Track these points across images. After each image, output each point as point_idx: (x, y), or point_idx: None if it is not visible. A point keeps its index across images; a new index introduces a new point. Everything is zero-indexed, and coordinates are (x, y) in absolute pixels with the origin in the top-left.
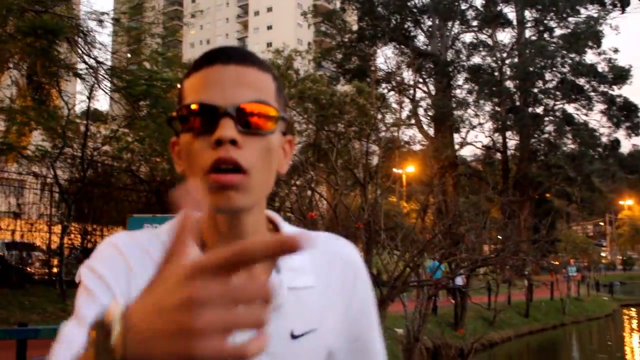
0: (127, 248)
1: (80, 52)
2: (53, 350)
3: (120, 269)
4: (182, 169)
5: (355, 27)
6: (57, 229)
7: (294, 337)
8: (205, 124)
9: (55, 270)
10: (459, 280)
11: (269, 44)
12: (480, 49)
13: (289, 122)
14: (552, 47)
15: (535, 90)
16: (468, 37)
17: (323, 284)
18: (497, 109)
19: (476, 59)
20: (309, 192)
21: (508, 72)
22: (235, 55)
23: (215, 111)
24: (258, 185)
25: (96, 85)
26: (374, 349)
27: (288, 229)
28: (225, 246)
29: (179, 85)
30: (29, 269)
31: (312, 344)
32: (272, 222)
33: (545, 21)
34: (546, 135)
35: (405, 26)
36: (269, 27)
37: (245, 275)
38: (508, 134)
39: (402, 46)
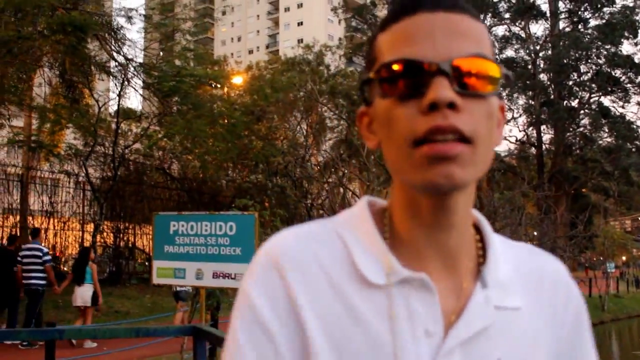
0: (290, 263)
1: (110, 49)
2: None
3: (281, 298)
4: (376, 142)
5: None
6: (90, 227)
7: None
8: (412, 86)
9: None
10: None
11: (300, 40)
12: (513, 41)
13: (511, 82)
14: (587, 39)
15: (570, 82)
16: (500, 30)
17: (530, 307)
18: (531, 102)
19: (509, 52)
20: (341, 189)
21: (542, 65)
22: (443, 0)
23: (426, 69)
24: (482, 157)
25: (126, 83)
26: None
27: (495, 237)
28: (427, 238)
29: (370, 44)
30: (62, 267)
31: None
32: (474, 222)
33: (580, 12)
34: (582, 129)
35: None
36: (300, 24)
37: (450, 286)
38: (542, 128)
39: None
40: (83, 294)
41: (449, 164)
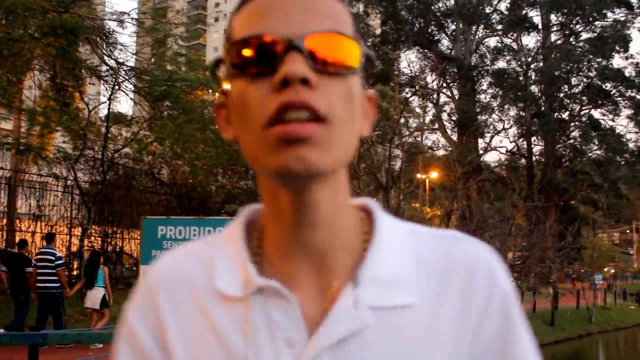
0: (160, 283)
1: (101, 52)
2: None
3: (151, 318)
4: (232, 134)
5: (378, 31)
6: (77, 231)
7: None
8: (264, 63)
9: (75, 272)
10: None
11: None
12: (505, 53)
13: (373, 64)
14: (578, 51)
15: (561, 95)
16: (492, 41)
17: (430, 303)
18: (522, 114)
19: (501, 63)
20: None
21: (533, 77)
22: None
23: (278, 44)
24: (341, 141)
25: (117, 87)
26: None
27: (388, 226)
28: (292, 238)
29: (226, 26)
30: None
31: None
32: (366, 210)
33: (572, 25)
34: (572, 141)
35: (429, 30)
36: None
37: (316, 287)
38: (533, 139)
39: (426, 50)
40: (93, 297)
41: (301, 146)
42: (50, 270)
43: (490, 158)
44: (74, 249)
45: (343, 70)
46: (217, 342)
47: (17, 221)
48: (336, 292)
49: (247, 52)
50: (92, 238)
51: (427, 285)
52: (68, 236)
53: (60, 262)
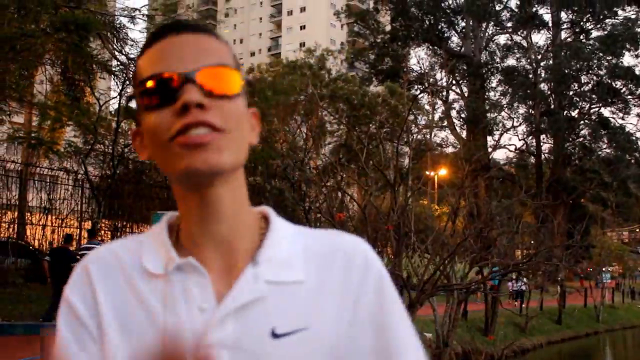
0: (95, 266)
1: (112, 48)
2: None
3: (86, 294)
4: (147, 154)
5: (388, 28)
6: (88, 225)
7: (275, 335)
8: (166, 95)
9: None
10: (522, 285)
11: (302, 44)
12: (515, 50)
13: (251, 88)
14: (588, 49)
15: (571, 93)
16: (502, 39)
17: (316, 279)
18: (532, 111)
19: (510, 61)
20: (340, 193)
21: (543, 75)
22: (187, 25)
23: (176, 79)
24: (235, 145)
25: (128, 82)
26: (401, 351)
27: (281, 224)
28: (201, 230)
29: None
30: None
31: (301, 345)
32: (265, 217)
33: (582, 23)
34: (581, 139)
35: (439, 27)
36: (302, 27)
37: (224, 268)
38: (542, 137)
39: (436, 47)
40: None
41: (204, 150)
42: None
43: (499, 156)
44: (83, 242)
45: (229, 93)
46: (142, 310)
47: (28, 214)
48: (239, 270)
49: (152, 87)
50: (102, 232)
51: (312, 266)
52: (78, 229)
53: None
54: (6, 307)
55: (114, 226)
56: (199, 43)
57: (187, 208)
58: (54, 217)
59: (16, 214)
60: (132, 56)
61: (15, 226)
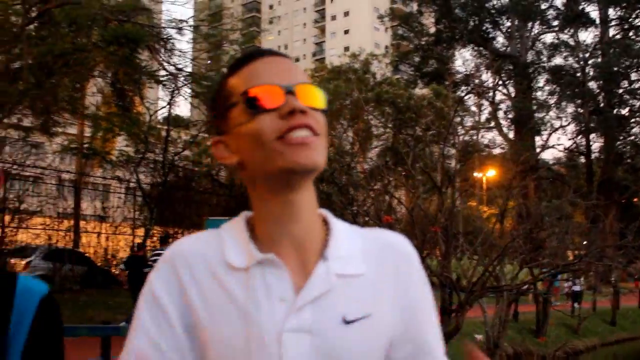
0: (179, 258)
1: (160, 59)
2: None
3: (174, 284)
4: (236, 159)
5: (432, 30)
6: (140, 231)
7: (346, 322)
8: (272, 102)
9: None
10: (577, 287)
11: (346, 48)
12: (562, 49)
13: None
14: (638, 46)
15: (620, 90)
16: (549, 38)
17: (374, 272)
18: (580, 110)
19: (557, 60)
20: (387, 196)
21: (591, 73)
22: (277, 52)
23: (280, 90)
24: (325, 150)
25: (176, 92)
26: (431, 343)
27: (339, 224)
28: (280, 230)
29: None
30: (114, 270)
31: (367, 330)
32: (323, 218)
33: (630, 19)
34: (633, 138)
35: (484, 27)
36: (346, 32)
37: (298, 263)
38: (592, 136)
39: (481, 48)
40: None
41: (307, 149)
42: None
43: (548, 156)
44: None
45: (319, 106)
46: (228, 300)
47: (84, 222)
48: (311, 265)
49: (257, 96)
50: (155, 238)
51: (368, 261)
52: (132, 236)
53: None
54: (65, 312)
55: (166, 233)
56: (292, 65)
57: (267, 209)
58: (107, 225)
59: (72, 222)
60: (179, 66)
61: (71, 234)
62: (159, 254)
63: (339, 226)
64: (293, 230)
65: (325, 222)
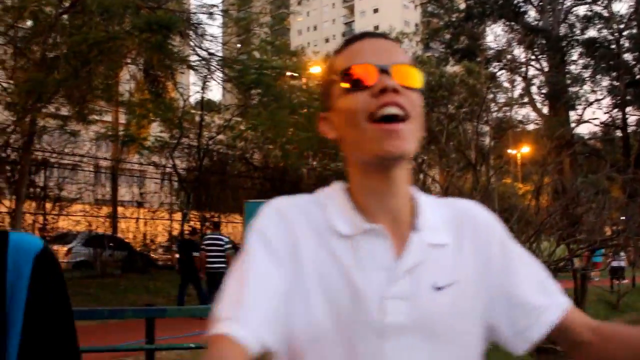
0: (288, 211)
1: (192, 44)
2: (216, 307)
3: (283, 229)
4: (337, 134)
5: (463, 6)
6: (177, 216)
7: (437, 288)
8: (367, 80)
9: (177, 256)
10: (618, 262)
11: (376, 27)
12: (595, 21)
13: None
14: None
15: None
16: (582, 10)
17: (456, 241)
18: (616, 83)
19: (591, 32)
20: (421, 175)
21: (626, 45)
22: (379, 34)
23: (375, 69)
24: (416, 135)
25: (209, 76)
26: (530, 298)
27: (422, 196)
28: (378, 203)
29: (324, 66)
30: (153, 254)
31: (456, 296)
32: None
33: None
34: None
35: (515, 2)
36: (375, 10)
37: (394, 234)
38: (628, 109)
39: (512, 23)
40: None
41: (396, 138)
42: (219, 253)
43: (583, 130)
44: (174, 233)
45: (414, 86)
46: (336, 265)
47: (122, 208)
48: (406, 236)
49: (353, 75)
50: (192, 222)
51: (451, 231)
52: (169, 221)
53: (229, 246)
54: (107, 296)
55: (203, 216)
56: (390, 46)
57: (366, 183)
58: (145, 210)
59: (110, 208)
60: (211, 51)
61: (110, 220)
62: (211, 239)
63: (423, 198)
64: (390, 204)
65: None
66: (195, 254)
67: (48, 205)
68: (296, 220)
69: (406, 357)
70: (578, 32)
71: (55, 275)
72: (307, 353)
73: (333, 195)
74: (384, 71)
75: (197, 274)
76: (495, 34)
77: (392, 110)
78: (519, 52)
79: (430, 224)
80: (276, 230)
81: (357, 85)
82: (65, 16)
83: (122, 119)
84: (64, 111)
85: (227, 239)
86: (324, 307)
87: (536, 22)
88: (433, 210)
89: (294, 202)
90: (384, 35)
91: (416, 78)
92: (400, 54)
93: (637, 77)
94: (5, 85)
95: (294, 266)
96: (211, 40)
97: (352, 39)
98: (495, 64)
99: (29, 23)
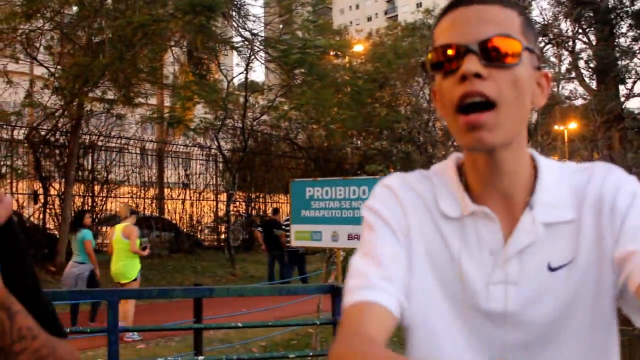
0: (400, 189)
1: (235, 25)
2: (348, 282)
3: (396, 207)
4: (441, 113)
5: None
6: (223, 197)
7: (551, 269)
8: (451, 63)
9: (223, 236)
10: None
11: (419, 5)
12: None
13: (539, 55)
14: None
15: None
16: None
17: (578, 216)
18: None
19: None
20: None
21: None
22: (476, 0)
23: (459, 49)
24: (509, 120)
25: (252, 57)
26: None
27: (547, 167)
28: (485, 183)
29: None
30: (199, 235)
31: (570, 275)
32: (532, 159)
33: None
34: None
35: None
36: None
37: (505, 215)
38: None
39: None
40: None
41: (478, 131)
42: None
43: (634, 105)
44: (220, 214)
45: (508, 62)
46: (445, 247)
47: (168, 190)
48: (518, 216)
49: (440, 57)
50: (237, 203)
51: (573, 205)
52: (215, 202)
53: None
54: (155, 277)
55: (248, 197)
56: (484, 15)
57: (472, 162)
58: (191, 192)
59: (156, 190)
60: (254, 31)
61: (156, 202)
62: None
63: (545, 169)
64: (499, 183)
65: (534, 166)
66: (278, 231)
67: (96, 188)
68: (408, 199)
69: (520, 342)
70: (627, 3)
71: (13, 238)
72: (418, 329)
73: (445, 172)
74: (469, 51)
75: (283, 251)
76: (541, 8)
77: (474, 99)
78: (566, 26)
79: (549, 200)
80: (391, 210)
81: (442, 69)
82: (109, 1)
83: (167, 101)
84: (110, 95)
85: None
86: (435, 289)
87: None
88: (556, 184)
89: (406, 180)
90: (481, 1)
91: (511, 51)
92: (495, 23)
93: None
94: (52, 70)
95: (408, 245)
96: (254, 21)
97: (449, 5)
98: (541, 38)
99: (75, 9)
